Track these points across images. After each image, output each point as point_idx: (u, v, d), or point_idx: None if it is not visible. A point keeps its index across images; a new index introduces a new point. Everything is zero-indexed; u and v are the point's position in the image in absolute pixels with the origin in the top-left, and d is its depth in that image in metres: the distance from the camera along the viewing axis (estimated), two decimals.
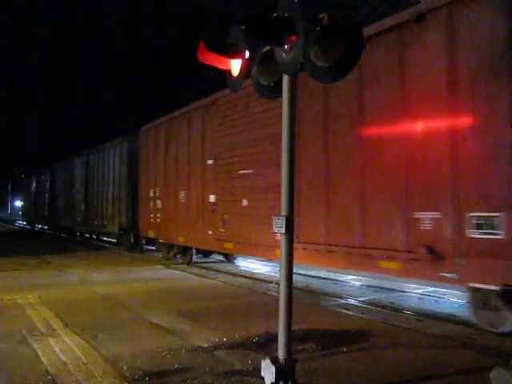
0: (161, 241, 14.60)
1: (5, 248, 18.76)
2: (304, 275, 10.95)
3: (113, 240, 20.86)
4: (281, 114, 8.45)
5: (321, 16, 3.74)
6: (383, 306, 7.70)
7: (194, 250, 13.17)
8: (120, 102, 49.75)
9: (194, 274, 11.49)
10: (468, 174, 5.85)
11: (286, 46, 3.72)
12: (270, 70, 4.19)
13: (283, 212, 3.99)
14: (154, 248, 15.94)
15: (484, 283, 5.67)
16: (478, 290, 5.89)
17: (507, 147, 5.50)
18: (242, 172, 10.24)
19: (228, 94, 10.44)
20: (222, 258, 14.52)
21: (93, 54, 57.07)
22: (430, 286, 8.92)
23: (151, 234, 15.18)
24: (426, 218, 6.24)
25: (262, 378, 3.83)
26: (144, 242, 16.56)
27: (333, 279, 10.70)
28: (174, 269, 12.42)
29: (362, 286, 9.92)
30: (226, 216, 10.73)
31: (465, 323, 6.57)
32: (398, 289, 9.21)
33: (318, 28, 3.71)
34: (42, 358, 4.84)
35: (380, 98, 7.01)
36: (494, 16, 5.70)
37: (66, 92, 59.47)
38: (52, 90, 60.25)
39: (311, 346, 5.23)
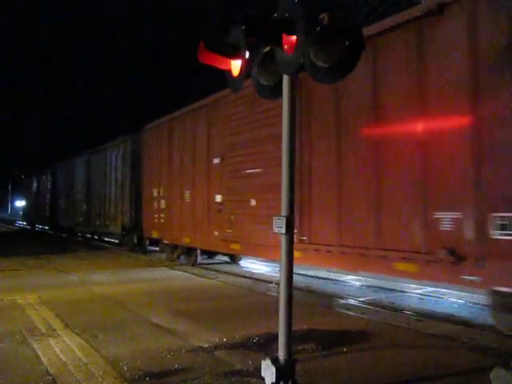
0: (165, 241, 14.36)
1: (5, 248, 18.76)
2: (304, 275, 10.95)
3: (113, 240, 20.76)
4: None
5: (321, 16, 3.74)
6: (383, 306, 7.70)
7: (198, 251, 12.98)
8: (120, 102, 49.78)
9: (195, 274, 11.48)
10: (491, 172, 5.54)
11: (286, 47, 3.72)
12: (270, 70, 4.19)
13: (283, 212, 4.00)
14: (157, 249, 15.74)
15: (508, 286, 5.41)
16: (498, 292, 5.65)
17: None
18: (250, 171, 9.96)
19: (243, 88, 10.22)
20: (225, 258, 14.33)
21: (93, 54, 57.12)
22: (430, 287, 8.93)
23: (155, 235, 14.92)
24: (447, 219, 5.95)
25: (263, 379, 3.83)
26: (147, 242, 16.31)
27: (333, 279, 10.70)
28: (175, 269, 12.40)
29: (362, 286, 9.92)
30: (232, 216, 10.50)
31: (465, 323, 6.58)
32: (397, 289, 9.21)
33: (318, 28, 3.71)
34: (43, 359, 4.84)
35: (396, 92, 6.72)
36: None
37: (66, 92, 59.50)
38: (52, 90, 60.29)
39: (311, 347, 5.23)
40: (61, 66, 60.66)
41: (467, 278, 5.70)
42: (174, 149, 13.70)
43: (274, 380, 3.71)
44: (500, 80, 5.50)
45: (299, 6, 3.67)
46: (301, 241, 8.07)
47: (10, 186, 69.70)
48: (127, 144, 17.71)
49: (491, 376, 3.94)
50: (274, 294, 8.28)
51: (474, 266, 5.62)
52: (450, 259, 5.81)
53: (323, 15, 3.74)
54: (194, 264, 13.02)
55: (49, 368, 4.56)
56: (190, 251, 13.22)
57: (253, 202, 9.73)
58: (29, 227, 38.39)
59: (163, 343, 5.39)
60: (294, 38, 3.61)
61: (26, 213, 41.18)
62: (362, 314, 7.15)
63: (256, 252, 10.10)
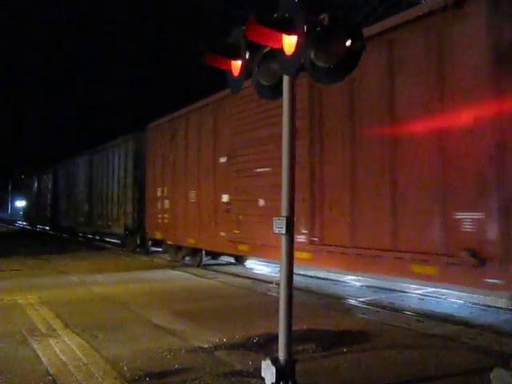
0: (169, 242, 14.06)
1: (5, 248, 18.76)
2: (304, 275, 10.95)
3: (115, 241, 20.65)
4: (302, 109, 7.64)
5: (321, 17, 3.75)
6: (383, 307, 7.70)
7: (203, 252, 12.71)
8: (120, 102, 49.75)
9: (195, 274, 11.47)
10: None
11: (286, 47, 3.72)
12: (270, 71, 4.19)
13: (283, 212, 4.00)
14: (160, 249, 15.53)
15: None
16: None
17: None
18: (258, 170, 9.61)
19: (243, 88, 9.97)
20: (230, 259, 14.01)
21: (93, 54, 57.06)
22: (430, 287, 8.92)
23: (158, 236, 14.58)
24: (469, 219, 5.67)
25: (263, 379, 3.83)
26: (150, 243, 16.04)
27: (333, 279, 10.69)
28: (175, 269, 12.40)
29: (363, 286, 9.91)
30: (240, 217, 10.17)
31: (465, 324, 6.58)
32: (398, 289, 9.21)
33: (319, 29, 3.72)
34: (43, 359, 4.84)
35: (414, 86, 6.42)
36: None
37: (66, 92, 59.46)
38: (52, 89, 60.25)
39: (311, 347, 5.23)
40: (61, 66, 60.66)
41: (490, 280, 5.47)
42: (179, 148, 13.40)
43: (274, 380, 3.72)
44: None
45: (299, 6, 3.67)
46: (312, 242, 7.87)
47: (10, 186, 69.70)
48: (130, 143, 17.41)
49: (491, 376, 3.94)
50: (274, 294, 8.28)
51: (497, 269, 5.38)
52: (471, 261, 5.53)
53: (323, 15, 3.75)
54: (199, 265, 12.78)
55: (49, 368, 4.56)
56: (194, 252, 12.97)
57: (261, 202, 9.46)
58: (29, 227, 38.39)
59: (163, 343, 5.39)
60: (295, 38, 3.61)
61: (27, 213, 41.13)
62: (362, 314, 7.15)
63: (265, 253, 9.73)
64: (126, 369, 4.55)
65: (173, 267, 12.77)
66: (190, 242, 12.52)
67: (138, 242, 16.65)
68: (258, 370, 3.93)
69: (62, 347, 5.23)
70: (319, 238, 7.81)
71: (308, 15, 3.70)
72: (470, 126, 5.77)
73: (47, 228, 32.96)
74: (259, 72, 4.27)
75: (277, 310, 3.89)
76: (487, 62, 5.61)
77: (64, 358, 4.84)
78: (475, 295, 8.07)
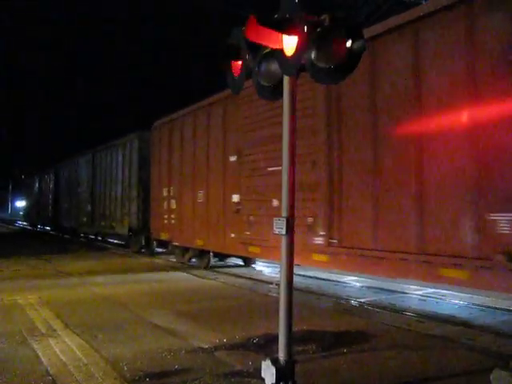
0: (175, 243, 13.65)
1: (5, 248, 18.78)
2: (304, 276, 10.95)
3: (117, 241, 20.57)
4: (316, 105, 7.66)
5: (322, 17, 3.74)
6: (384, 307, 7.70)
7: (211, 254, 12.33)
8: (120, 102, 49.75)
9: (195, 275, 11.47)
10: None
11: (286, 48, 3.71)
12: (270, 72, 4.19)
13: (283, 213, 3.99)
14: (164, 250, 15.33)
15: None
16: None
17: None
18: (271, 169, 9.04)
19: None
20: (237, 261, 13.67)
21: (93, 54, 57.07)
22: (431, 288, 8.92)
23: (164, 237, 14.15)
24: (504, 220, 5.28)
25: (263, 379, 3.83)
26: (155, 244, 15.59)
27: (333, 280, 10.69)
28: (177, 270, 12.39)
29: (363, 287, 9.91)
30: (252, 217, 9.75)
31: (465, 324, 6.58)
32: (398, 290, 9.21)
33: (319, 29, 3.72)
34: (43, 359, 4.84)
35: (443, 79, 5.99)
36: None
37: (66, 92, 59.47)
38: (52, 89, 60.25)
39: (311, 347, 5.23)
40: (61, 66, 60.68)
41: None
42: (187, 146, 12.97)
43: (274, 381, 3.71)
44: None
45: (300, 6, 3.67)
46: (330, 244, 7.50)
47: (10, 186, 69.70)
48: (134, 142, 17.07)
49: (491, 377, 3.94)
50: (275, 294, 8.28)
51: None
52: (508, 265, 5.16)
53: (324, 16, 3.75)
54: (207, 267, 12.44)
55: (49, 368, 4.56)
56: (202, 254, 12.61)
57: (275, 203, 8.93)
58: (30, 227, 38.34)
59: (163, 344, 5.39)
60: (295, 38, 3.61)
61: (27, 213, 41.01)
62: (363, 314, 7.15)
63: (277, 255, 9.43)
64: (126, 369, 4.55)
65: (175, 268, 12.69)
66: (198, 243, 12.14)
67: (142, 242, 16.37)
68: (258, 370, 3.92)
69: (62, 347, 5.23)
70: (338, 240, 7.41)
71: (308, 16, 3.70)
72: (505, 119, 5.40)
73: (48, 228, 32.86)
74: (259, 72, 4.26)
75: (277, 311, 3.89)
76: None
77: (64, 359, 4.84)
78: (475, 296, 8.07)
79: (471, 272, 5.56)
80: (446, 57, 6.00)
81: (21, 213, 51.12)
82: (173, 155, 13.81)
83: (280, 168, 8.25)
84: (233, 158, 10.62)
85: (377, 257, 6.72)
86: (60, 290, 8.95)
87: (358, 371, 4.61)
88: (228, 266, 13.12)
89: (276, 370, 3.71)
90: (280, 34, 3.69)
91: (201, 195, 12.02)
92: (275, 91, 4.27)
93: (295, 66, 3.71)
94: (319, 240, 7.72)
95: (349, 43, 3.65)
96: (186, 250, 13.31)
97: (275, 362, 3.77)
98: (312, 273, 11.21)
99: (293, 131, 4.03)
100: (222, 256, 12.83)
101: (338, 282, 10.51)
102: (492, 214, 5.41)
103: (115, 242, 20.94)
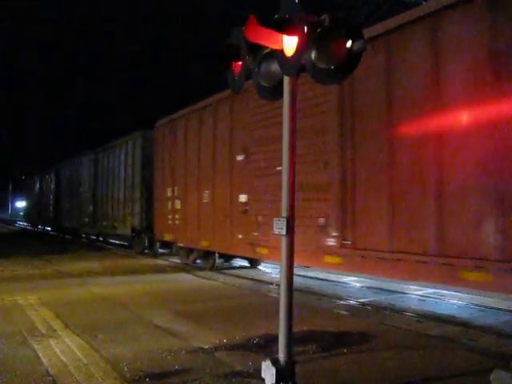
0: (179, 244, 13.37)
1: (6, 248, 18.77)
2: (304, 276, 10.95)
3: (118, 242, 20.46)
4: (330, 102, 7.43)
5: (322, 17, 3.74)
6: (384, 308, 7.70)
7: (216, 255, 12.11)
8: (120, 102, 49.79)
9: (196, 275, 11.47)
10: None
11: (286, 48, 3.71)
12: (270, 72, 4.19)
13: (284, 213, 4.00)
14: (167, 251, 15.16)
15: None
16: None
17: None
18: (280, 169, 8.89)
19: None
20: (242, 262, 13.43)
21: (93, 54, 57.13)
22: (431, 288, 8.92)
23: (168, 238, 13.88)
24: None
25: (263, 380, 3.83)
26: (158, 245, 15.34)
27: (333, 280, 10.69)
28: (178, 271, 12.37)
29: (363, 287, 9.91)
30: (260, 218, 9.47)
31: (465, 325, 6.58)
32: (398, 290, 9.21)
33: (319, 29, 3.72)
34: (43, 359, 4.84)
35: (465, 73, 5.74)
36: None
37: (66, 92, 59.53)
38: (52, 89, 60.30)
39: (311, 348, 5.23)
40: (61, 66, 60.73)
41: None
42: (192, 144, 12.66)
43: (274, 381, 3.71)
44: None
45: (300, 7, 3.67)
46: (343, 245, 7.25)
47: (10, 186, 69.72)
48: (137, 141, 16.77)
49: (491, 378, 3.94)
50: (275, 295, 8.28)
51: None
52: None
53: (324, 16, 3.75)
54: (212, 268, 12.25)
55: (49, 369, 4.56)
56: (207, 255, 12.38)
57: None
58: (30, 228, 38.31)
59: (163, 344, 5.39)
60: (295, 39, 3.61)
61: (28, 213, 40.95)
62: (363, 315, 7.15)
63: None
64: (126, 369, 4.55)
65: (179, 269, 12.57)
66: (203, 244, 11.89)
67: (146, 243, 16.15)
68: (258, 370, 3.92)
69: (62, 348, 5.23)
70: (352, 242, 7.14)
71: (308, 16, 3.70)
72: None
73: (49, 229, 32.73)
74: (259, 73, 4.26)
75: (277, 311, 3.88)
76: None
77: (64, 359, 4.84)
78: (475, 296, 8.07)
79: (495, 275, 5.30)
80: (467, 50, 5.74)
81: (21, 213, 51.14)
82: (177, 154, 13.56)
83: None
84: (240, 157, 10.38)
85: (393, 259, 6.46)
86: (60, 291, 8.95)
87: (358, 372, 4.60)
88: (234, 268, 12.96)
89: (276, 371, 3.71)
90: (280, 35, 3.68)
91: (206, 195, 11.77)
92: (275, 91, 4.27)
93: (295, 66, 3.71)
94: (332, 241, 7.48)
95: (349, 43, 3.65)
96: (190, 250, 13.08)
97: (275, 362, 3.77)
98: (312, 273, 11.21)
99: (293, 131, 4.04)
100: (227, 257, 12.63)
101: (338, 282, 10.51)
102: None
103: (117, 242, 20.82)
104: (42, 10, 53.70)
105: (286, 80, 3.97)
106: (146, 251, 16.35)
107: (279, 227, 3.96)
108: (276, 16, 3.84)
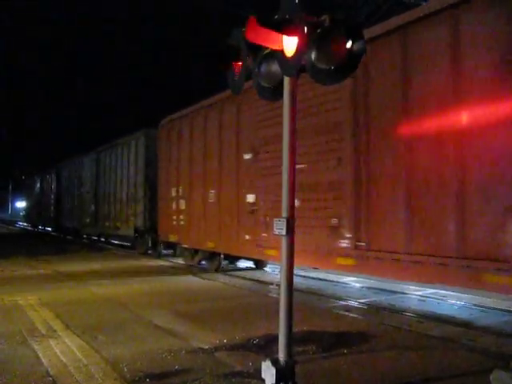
0: (184, 246, 13.17)
1: (6, 249, 18.77)
2: (304, 277, 10.95)
3: (119, 242, 20.35)
4: (343, 98, 7.25)
5: (322, 18, 3.74)
6: (384, 308, 7.70)
7: (222, 256, 11.88)
8: (120, 102, 49.79)
9: (196, 275, 11.46)
10: None
11: (286, 48, 3.72)
12: (270, 72, 4.19)
13: (284, 214, 4.01)
14: (171, 252, 15.04)
15: None
16: None
17: None
18: None
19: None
20: (248, 263, 13.16)
21: (93, 54, 57.14)
22: (431, 288, 8.92)
23: (172, 239, 13.61)
24: None
25: (263, 380, 3.83)
26: (162, 246, 15.15)
27: (333, 281, 10.69)
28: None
29: (363, 287, 9.91)
30: (268, 218, 9.18)
31: (465, 325, 6.57)
32: (398, 290, 9.20)
33: (319, 30, 3.72)
34: (43, 360, 4.84)
35: (487, 68, 5.49)
36: None
37: (66, 92, 59.53)
38: (52, 89, 60.31)
39: (311, 348, 5.23)
40: (61, 66, 60.74)
41: None
42: (197, 143, 12.39)
43: (274, 381, 3.71)
44: None
45: (300, 7, 3.67)
46: (357, 247, 7.03)
47: (10, 187, 69.71)
48: (140, 140, 16.54)
49: (491, 378, 3.95)
50: (275, 295, 8.28)
51: None
52: None
53: (324, 17, 3.75)
54: (218, 269, 12.03)
55: (49, 369, 4.56)
56: (212, 256, 12.15)
57: (296, 203, 8.39)
58: (30, 228, 38.27)
59: (163, 344, 5.39)
60: (295, 39, 3.61)
61: (28, 214, 40.88)
62: (363, 315, 7.14)
63: (297, 259, 8.64)
64: (126, 370, 4.55)
65: (183, 271, 12.46)
66: (209, 245, 11.63)
67: (149, 244, 15.97)
68: (258, 371, 3.93)
69: (62, 348, 5.23)
70: (366, 243, 6.91)
71: (308, 16, 3.70)
72: None
73: (49, 229, 32.62)
74: (259, 73, 4.26)
75: (277, 311, 3.89)
76: None
77: (64, 359, 4.84)
78: (475, 297, 8.07)
79: None
80: (488, 43, 5.50)
81: (21, 213, 51.09)
82: (182, 153, 13.28)
83: (301, 166, 7.68)
84: (247, 156, 10.13)
85: (411, 261, 6.21)
86: (60, 291, 8.95)
87: (358, 372, 4.60)
88: (239, 269, 12.80)
89: (276, 371, 3.71)
90: (280, 35, 3.68)
91: (212, 195, 11.52)
92: (275, 92, 4.27)
93: (295, 66, 3.71)
94: (345, 243, 7.26)
95: (349, 44, 3.65)
96: (195, 252, 12.85)
97: (275, 362, 3.77)
98: (313, 274, 11.21)
99: (293, 132, 4.04)
100: (232, 258, 12.41)
101: (338, 282, 10.51)
102: None
103: (118, 243, 20.66)
104: (41, 9, 53.74)
105: (286, 80, 3.98)
106: (149, 252, 16.18)
107: (279, 227, 3.97)
108: (276, 16, 3.84)
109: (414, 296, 8.79)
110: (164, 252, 15.48)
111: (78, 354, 5.04)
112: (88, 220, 22.69)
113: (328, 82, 4.06)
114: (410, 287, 9.27)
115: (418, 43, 6.31)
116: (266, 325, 5.94)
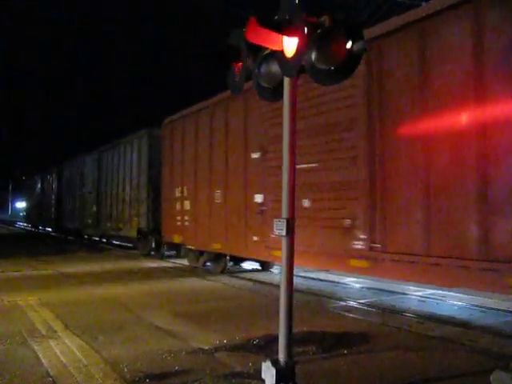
0: (189, 247, 12.90)
1: (5, 249, 18.77)
2: (304, 277, 10.94)
3: (121, 243, 20.27)
4: (357, 94, 7.09)
5: (322, 18, 3.74)
6: (384, 308, 7.69)
7: (228, 257, 11.70)
8: (120, 102, 49.81)
9: (196, 276, 11.46)
10: None
11: (287, 49, 3.71)
12: (270, 73, 4.19)
13: (284, 214, 4.00)
14: (173, 253, 14.90)
15: None
16: None
17: None
18: (301, 166, 7.85)
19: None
20: (254, 265, 12.99)
21: (93, 54, 57.14)
22: (431, 289, 8.91)
23: (177, 240, 13.32)
24: None
25: (263, 381, 3.83)
26: (165, 247, 14.95)
27: (333, 281, 10.68)
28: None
29: (363, 288, 9.90)
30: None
31: (465, 325, 6.57)
32: (398, 291, 9.20)
33: (319, 30, 3.72)
34: (43, 360, 4.84)
35: (509, 59, 5.23)
36: None
37: (66, 92, 59.55)
38: (52, 89, 60.33)
39: (311, 349, 5.23)
40: (61, 66, 60.77)
41: None
42: (203, 142, 12.08)
43: (274, 382, 3.71)
44: None
45: (300, 7, 3.67)
46: (372, 248, 6.76)
47: (10, 187, 69.72)
48: (143, 139, 16.24)
49: (491, 378, 3.95)
50: (275, 295, 8.26)
51: None
52: None
53: (324, 17, 3.75)
54: (223, 271, 11.80)
55: (49, 370, 4.56)
56: (218, 258, 11.89)
57: (306, 203, 8.10)
58: (30, 229, 38.22)
59: (163, 345, 5.39)
60: (295, 40, 3.61)
61: (28, 214, 40.81)
62: (363, 316, 7.14)
63: (308, 261, 8.21)
64: (126, 370, 4.55)
65: (188, 272, 12.37)
66: (215, 247, 11.35)
67: (152, 245, 15.74)
68: (258, 371, 3.92)
69: (62, 349, 5.23)
70: (381, 245, 6.65)
71: (309, 17, 3.70)
72: None
73: (50, 230, 32.47)
74: (260, 74, 4.26)
75: (277, 312, 3.88)
76: None
77: (64, 360, 4.84)
78: (475, 297, 8.06)
79: None
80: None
81: (21, 214, 51.09)
82: (186, 153, 12.95)
83: (313, 165, 7.73)
84: (255, 155, 9.82)
85: (429, 263, 5.94)
86: (60, 291, 8.95)
87: (359, 372, 4.60)
88: (245, 271, 12.62)
89: (276, 371, 3.71)
90: (280, 35, 3.68)
91: (218, 195, 11.22)
92: (276, 92, 4.27)
93: (295, 67, 3.71)
94: (359, 244, 6.98)
95: (349, 44, 3.65)
96: (200, 253, 12.61)
97: (275, 363, 3.77)
98: (313, 274, 11.20)
99: (293, 132, 4.04)
100: (237, 260, 12.27)
101: (338, 282, 10.51)
102: None
103: (121, 244, 20.57)
104: (41, 9, 53.74)
105: (287, 81, 3.97)
106: (152, 253, 16.00)
107: (279, 228, 3.97)
108: (276, 17, 3.84)
109: (414, 296, 8.79)
110: (166, 253, 15.35)
111: (78, 354, 5.04)
112: (90, 221, 22.45)
113: (328, 82, 4.06)
114: (410, 288, 9.26)
115: (437, 37, 6.00)
116: (266, 325, 5.94)
